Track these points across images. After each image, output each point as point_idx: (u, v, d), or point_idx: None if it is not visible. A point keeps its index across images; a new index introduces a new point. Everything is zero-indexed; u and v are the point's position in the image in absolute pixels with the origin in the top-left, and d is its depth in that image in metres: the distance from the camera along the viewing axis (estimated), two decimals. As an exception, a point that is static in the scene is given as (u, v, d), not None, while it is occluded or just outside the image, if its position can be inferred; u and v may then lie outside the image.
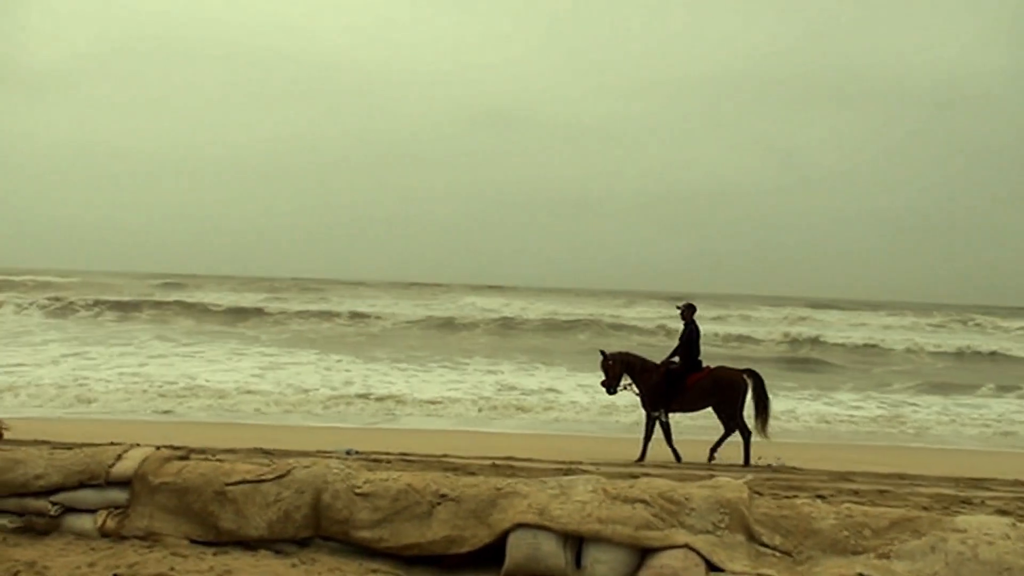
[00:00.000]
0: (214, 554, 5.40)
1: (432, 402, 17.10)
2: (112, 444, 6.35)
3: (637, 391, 12.23)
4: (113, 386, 17.59)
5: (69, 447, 6.84)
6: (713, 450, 11.80)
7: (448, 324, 38.11)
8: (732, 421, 11.88)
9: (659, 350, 14.52)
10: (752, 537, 5.09)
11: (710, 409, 12.25)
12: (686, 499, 5.20)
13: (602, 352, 12.67)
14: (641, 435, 12.10)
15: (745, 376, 12.12)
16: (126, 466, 5.88)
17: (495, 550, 5.28)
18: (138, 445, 6.25)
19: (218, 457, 7.55)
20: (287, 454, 9.31)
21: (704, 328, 13.10)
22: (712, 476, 6.10)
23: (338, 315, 40.59)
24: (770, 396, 12.17)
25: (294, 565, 5.24)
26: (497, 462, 10.15)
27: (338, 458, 7.47)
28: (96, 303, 40.89)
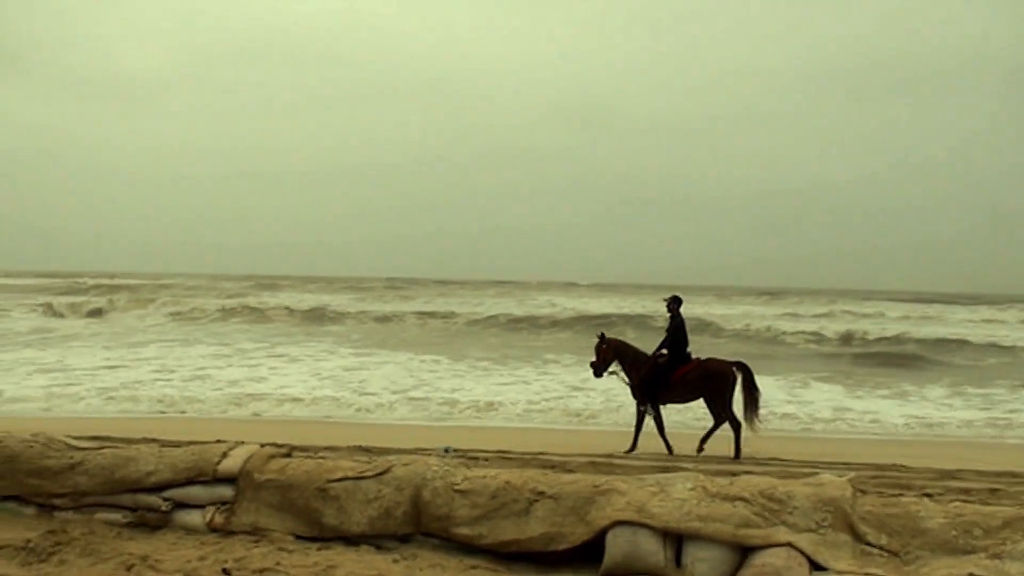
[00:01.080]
0: (318, 549, 5.52)
1: (529, 401, 17.12)
2: (218, 442, 6.51)
3: (626, 380, 12.25)
4: (217, 385, 18.10)
5: (177, 445, 7.04)
6: (703, 441, 11.65)
7: (539, 321, 38.12)
8: (722, 413, 11.76)
9: (724, 351, 14.27)
10: (857, 536, 4.99)
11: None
12: (788, 497, 5.13)
13: (600, 335, 12.78)
14: (633, 426, 12.08)
15: (734, 368, 11.96)
16: (232, 463, 6.04)
17: (594, 547, 5.28)
18: (243, 443, 6.41)
19: (320, 455, 7.68)
20: (386, 452, 9.42)
21: (812, 327, 12.92)
22: (814, 473, 5.99)
23: (432, 314, 41.03)
24: (759, 389, 12.01)
25: (395, 561, 5.31)
26: (595, 459, 10.13)
27: (437, 456, 7.54)
28: (193, 308, 42.12)
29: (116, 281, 63.54)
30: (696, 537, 5.06)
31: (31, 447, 6.31)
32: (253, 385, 18.22)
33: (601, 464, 9.77)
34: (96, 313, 41.20)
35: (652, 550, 5.07)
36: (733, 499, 5.16)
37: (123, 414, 15.12)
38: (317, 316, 40.50)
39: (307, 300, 47.54)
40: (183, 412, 15.45)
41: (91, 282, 61.89)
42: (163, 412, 15.38)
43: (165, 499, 6.03)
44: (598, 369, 12.34)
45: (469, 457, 9.42)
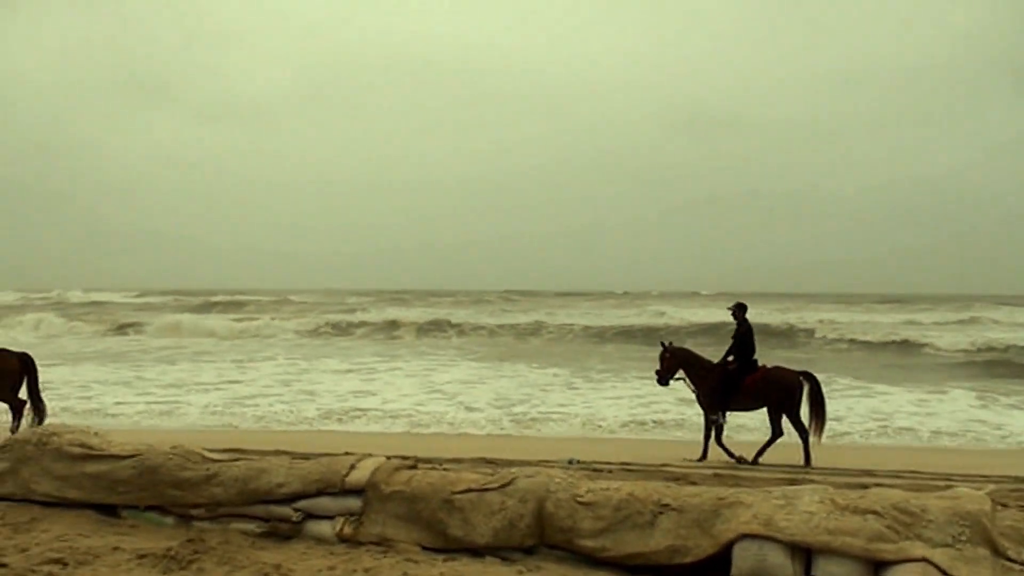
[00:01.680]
0: (444, 560, 5.59)
1: (646, 413, 16.99)
2: (346, 454, 6.66)
3: (692, 387, 12.30)
4: (331, 398, 18.56)
5: (307, 457, 7.24)
6: (759, 454, 11.69)
7: (658, 333, 37.72)
8: (792, 422, 11.80)
9: (850, 362, 13.86)
10: (997, 551, 4.81)
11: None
12: (922, 511, 4.97)
13: (663, 343, 12.82)
14: (701, 435, 12.23)
15: (801, 378, 11.95)
16: (359, 475, 6.17)
17: (719, 561, 5.22)
18: (370, 455, 6.55)
19: (444, 466, 7.79)
20: (510, 464, 9.50)
21: (942, 334, 12.57)
22: (949, 486, 5.80)
23: (545, 326, 41.08)
24: (826, 399, 11.99)
25: (520, 573, 5.35)
26: (720, 472, 10.01)
27: (560, 468, 7.57)
28: (324, 323, 43.13)
29: (247, 297, 65.54)
30: (825, 551, 4.94)
31: (171, 459, 6.57)
32: (364, 399, 18.57)
33: (726, 476, 9.66)
34: (230, 324, 42.66)
35: (780, 564, 4.98)
36: (864, 512, 5.03)
37: (254, 427, 15.60)
38: (438, 328, 41.05)
39: (429, 313, 48.23)
40: (307, 426, 15.85)
41: (224, 298, 64.07)
42: (291, 426, 15.81)
43: (296, 510, 6.19)
44: (663, 378, 12.42)
45: (593, 469, 9.43)
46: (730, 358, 12.17)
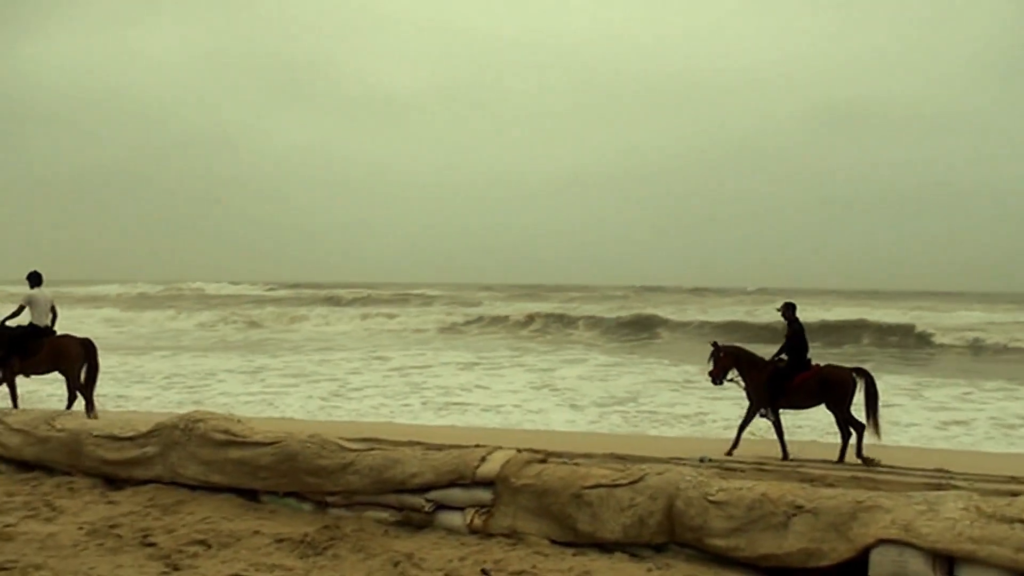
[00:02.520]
0: (573, 554, 5.60)
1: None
2: (477, 446, 6.74)
3: (743, 385, 12.37)
4: (448, 392, 18.78)
5: (439, 448, 7.35)
6: (858, 454, 11.56)
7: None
8: (841, 419, 11.79)
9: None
10: None
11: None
12: (1076, 521, 4.72)
13: (714, 343, 12.84)
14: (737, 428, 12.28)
15: (854, 375, 11.98)
16: (490, 468, 6.23)
17: (856, 566, 5.07)
18: (500, 448, 6.60)
19: (575, 461, 7.80)
20: (641, 460, 9.44)
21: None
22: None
23: (668, 322, 40.59)
24: (880, 396, 11.97)
25: (649, 570, 5.31)
26: (857, 475, 9.72)
27: (691, 466, 7.49)
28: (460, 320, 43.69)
29: (379, 292, 66.87)
30: (969, 560, 4.75)
31: (308, 447, 6.76)
32: (472, 394, 18.66)
33: (863, 479, 9.37)
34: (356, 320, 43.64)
35: (921, 571, 4.80)
36: (1011, 521, 4.80)
37: (376, 420, 15.91)
38: (565, 322, 41.08)
39: (558, 307, 48.29)
40: (408, 418, 16.05)
41: (360, 292, 65.57)
42: (440, 421, 16.06)
43: (428, 500, 6.30)
44: (717, 377, 12.47)
45: (725, 468, 9.29)
46: (782, 356, 12.29)
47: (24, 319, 13.96)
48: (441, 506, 6.31)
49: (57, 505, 6.89)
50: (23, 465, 8.07)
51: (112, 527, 6.23)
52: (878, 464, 10.98)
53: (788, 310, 12.42)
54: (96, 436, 7.70)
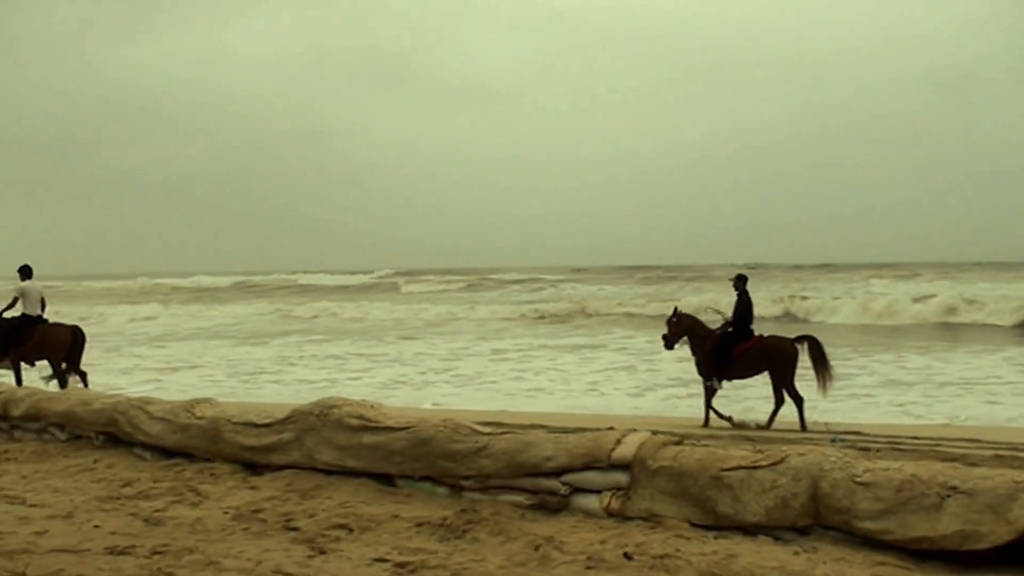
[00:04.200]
0: (715, 537, 5.50)
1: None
2: (610, 429, 6.68)
3: (693, 353, 12.99)
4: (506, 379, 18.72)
5: (566, 431, 7.31)
6: (769, 421, 12.11)
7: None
8: (786, 389, 12.18)
9: None
10: None
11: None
12: None
13: (673, 309, 13.68)
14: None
15: (795, 344, 12.36)
16: (625, 450, 6.16)
17: (1015, 548, 4.86)
18: (635, 430, 6.53)
19: (703, 443, 7.68)
20: (770, 441, 9.28)
21: None
22: None
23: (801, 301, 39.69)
24: (829, 359, 12.34)
25: (796, 553, 5.18)
26: (1000, 452, 9.34)
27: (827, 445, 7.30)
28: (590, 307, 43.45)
29: (499, 276, 67.13)
30: None
31: (441, 432, 6.80)
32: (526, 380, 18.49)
33: (1007, 458, 8.99)
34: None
35: (1088, 555, 4.57)
36: None
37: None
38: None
39: (662, 291, 47.72)
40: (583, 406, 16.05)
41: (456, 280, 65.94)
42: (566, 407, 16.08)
43: (564, 483, 6.27)
44: (668, 341, 13.26)
45: (858, 448, 9.03)
46: (729, 327, 12.82)
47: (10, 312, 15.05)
48: (576, 489, 6.28)
49: (201, 490, 7.09)
50: (165, 452, 8.34)
51: (255, 512, 6.38)
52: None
53: (739, 281, 12.88)
54: (234, 423, 7.90)
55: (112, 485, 7.39)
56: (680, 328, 13.10)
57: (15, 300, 14.98)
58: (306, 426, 7.47)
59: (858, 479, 5.38)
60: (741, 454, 5.92)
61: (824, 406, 13.75)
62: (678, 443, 6.29)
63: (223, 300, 53.26)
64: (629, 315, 35.91)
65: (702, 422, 12.45)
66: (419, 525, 5.94)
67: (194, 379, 19.86)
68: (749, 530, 5.59)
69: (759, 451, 6.07)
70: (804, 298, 38.68)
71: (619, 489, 6.12)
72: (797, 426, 11.93)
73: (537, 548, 5.42)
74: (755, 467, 5.70)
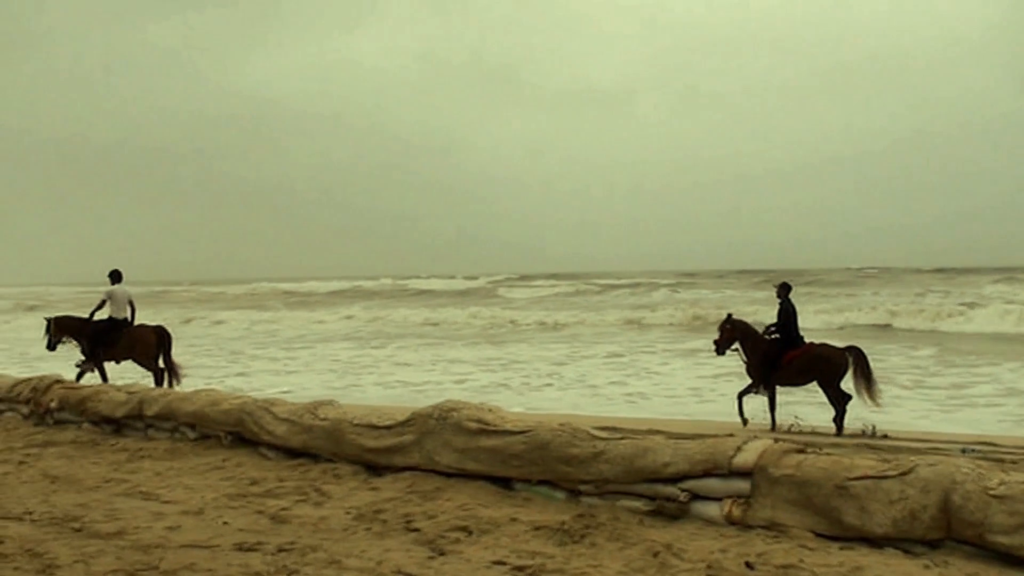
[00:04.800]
0: (840, 548, 5.37)
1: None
2: (730, 436, 6.59)
3: (744, 359, 13.09)
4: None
5: (683, 437, 7.24)
6: (838, 428, 12.17)
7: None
8: (832, 395, 12.35)
9: None
10: None
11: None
12: None
13: (727, 316, 13.81)
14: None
15: (845, 353, 12.50)
16: (746, 457, 6.07)
17: None
18: (755, 437, 6.43)
19: (826, 451, 7.51)
20: (897, 450, 9.01)
21: None
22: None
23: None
24: (873, 371, 12.46)
25: (927, 567, 5.01)
26: None
27: (957, 456, 7.04)
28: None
29: (632, 280, 66.80)
30: None
31: (559, 436, 6.82)
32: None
33: None
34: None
35: None
36: None
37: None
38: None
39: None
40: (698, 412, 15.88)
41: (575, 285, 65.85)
42: (679, 412, 15.93)
43: (683, 490, 6.21)
44: (720, 347, 13.32)
45: (992, 459, 8.70)
46: (774, 334, 12.96)
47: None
48: (696, 496, 6.21)
49: (325, 490, 7.26)
50: (290, 452, 8.56)
51: (377, 512, 6.50)
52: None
53: (782, 290, 13.05)
54: (356, 425, 8.06)
55: (240, 483, 7.63)
56: (733, 335, 13.24)
57: (103, 303, 15.66)
58: (426, 429, 7.57)
59: (992, 492, 5.18)
60: (867, 463, 5.77)
61: (938, 414, 13.46)
62: (801, 451, 6.17)
63: (334, 304, 54.30)
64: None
65: (770, 427, 12.54)
66: (537, 529, 5.96)
67: (306, 380, 20.32)
68: (876, 542, 5.44)
69: (886, 460, 5.91)
70: (922, 307, 37.33)
71: (740, 497, 6.03)
72: (912, 434, 11.69)
73: (656, 555, 5.37)
74: (882, 477, 5.54)
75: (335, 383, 19.75)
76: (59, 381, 11.72)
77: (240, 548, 5.63)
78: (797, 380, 12.77)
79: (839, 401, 12.30)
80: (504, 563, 5.31)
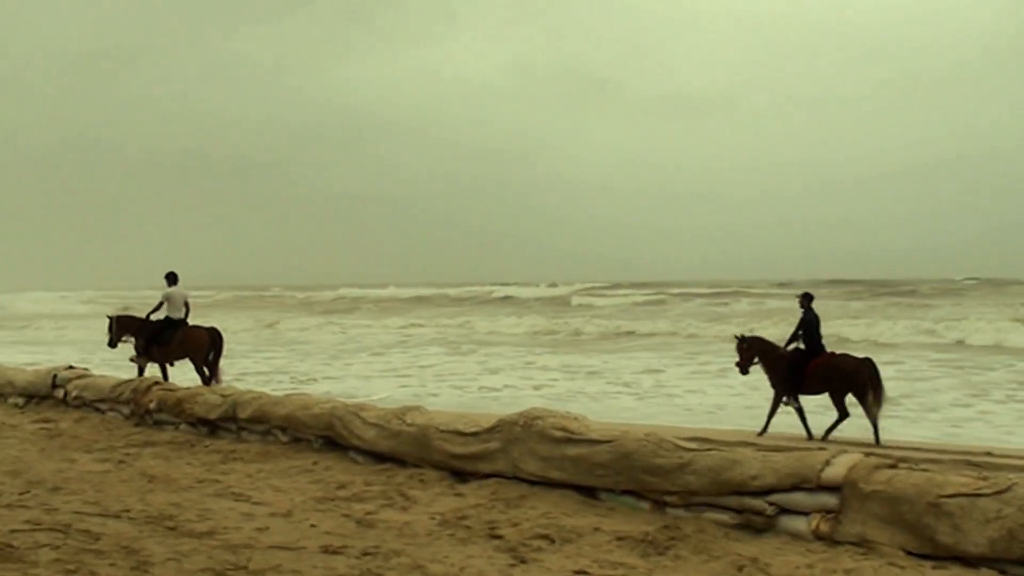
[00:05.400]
0: (932, 568, 5.23)
1: None
2: (820, 449, 6.46)
3: (767, 373, 13.18)
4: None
5: (772, 450, 7.12)
6: (828, 432, 12.42)
7: None
8: (861, 404, 12.35)
9: None
10: None
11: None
12: None
13: (739, 336, 13.79)
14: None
15: (862, 364, 12.55)
16: (835, 471, 5.95)
17: None
18: (844, 451, 6.30)
19: (922, 467, 7.31)
20: (997, 468, 8.72)
21: None
22: None
23: None
24: (883, 384, 12.46)
25: (1024, 589, 4.85)
26: None
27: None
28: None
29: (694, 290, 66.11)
30: None
31: (645, 446, 6.77)
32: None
33: None
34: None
35: None
36: None
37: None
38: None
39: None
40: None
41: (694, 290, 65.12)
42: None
43: (770, 503, 6.11)
44: (743, 366, 13.47)
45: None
46: (792, 345, 13.06)
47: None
48: (783, 510, 6.11)
49: (410, 495, 7.33)
50: (378, 456, 8.67)
51: (461, 518, 6.54)
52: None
53: (805, 299, 13.16)
54: (442, 431, 8.12)
55: (328, 487, 7.75)
56: (752, 352, 13.38)
57: (161, 304, 16.35)
58: (511, 436, 7.59)
59: (1095, 513, 4.99)
60: (961, 480, 5.60)
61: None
62: (892, 466, 6.01)
63: (420, 310, 54.80)
64: (841, 339, 34.23)
65: (806, 435, 12.61)
66: (620, 539, 5.93)
67: (393, 385, 20.55)
68: (970, 561, 5.27)
69: (983, 478, 5.73)
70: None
71: (828, 512, 5.91)
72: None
73: (741, 569, 5.31)
74: (977, 495, 5.37)
75: (420, 388, 19.92)
76: (158, 383, 12.09)
77: (326, 551, 5.72)
78: (821, 389, 12.83)
79: (839, 409, 12.54)
80: (586, 573, 5.30)
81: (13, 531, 6.00)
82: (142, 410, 11.52)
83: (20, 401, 13.63)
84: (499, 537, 6.10)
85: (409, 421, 8.52)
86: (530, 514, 6.62)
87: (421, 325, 43.84)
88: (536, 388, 19.76)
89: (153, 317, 16.32)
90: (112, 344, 16.57)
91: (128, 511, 6.78)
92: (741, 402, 17.25)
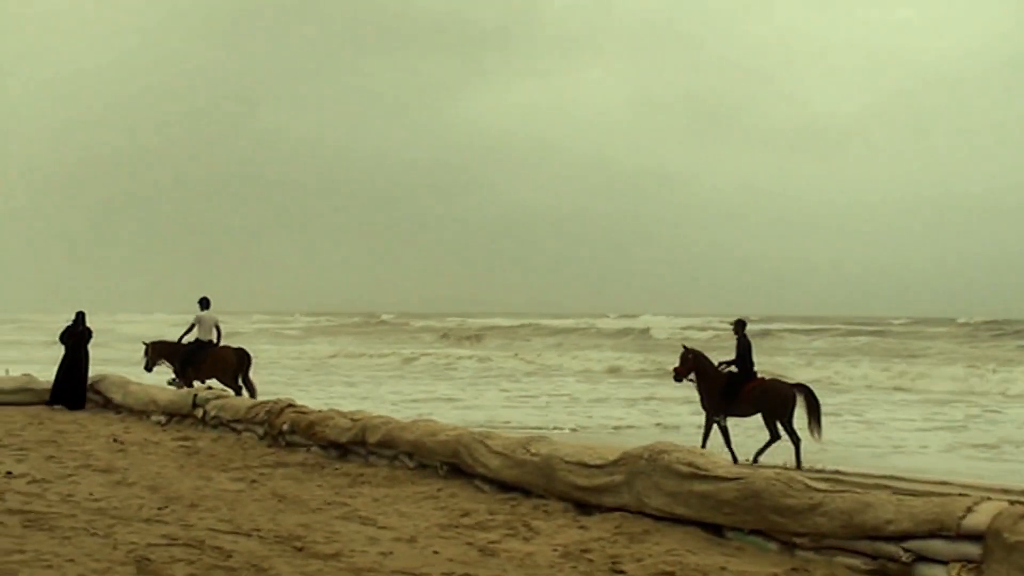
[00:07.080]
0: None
1: None
2: (962, 495, 6.17)
3: (699, 391, 13.55)
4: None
5: (910, 494, 6.83)
6: (758, 454, 12.78)
7: None
8: (786, 430, 12.87)
9: None
10: None
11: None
12: None
13: (684, 347, 14.12)
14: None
15: (794, 390, 13.20)
16: (977, 519, 5.66)
17: None
18: (988, 498, 6.00)
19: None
20: None
21: None
22: None
23: None
24: (820, 407, 13.09)
25: None
26: None
27: None
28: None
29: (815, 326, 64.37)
30: None
31: (773, 485, 6.59)
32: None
33: None
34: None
35: None
36: None
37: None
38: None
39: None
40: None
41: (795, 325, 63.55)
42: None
43: (906, 550, 5.86)
44: (678, 375, 13.76)
45: None
46: (730, 368, 13.44)
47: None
48: (920, 557, 5.84)
49: (533, 526, 7.31)
50: (502, 485, 8.68)
51: (584, 551, 6.48)
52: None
53: (738, 326, 13.57)
54: (567, 462, 8.08)
55: (452, 514, 7.80)
56: (692, 365, 13.64)
57: (192, 327, 17.31)
58: (636, 469, 7.50)
59: None
60: (1118, 535, 5.26)
61: None
62: (1044, 516, 5.69)
63: (556, 339, 54.87)
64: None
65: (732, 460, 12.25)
66: (747, 580, 5.78)
67: (522, 414, 20.58)
68: None
69: None
70: None
71: (969, 562, 5.62)
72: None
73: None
74: None
75: (545, 417, 19.90)
76: (291, 405, 12.39)
77: (448, 578, 5.75)
78: (749, 411, 13.31)
79: (791, 437, 12.86)
80: (711, 613, 5.18)
81: (150, 544, 6.23)
82: (275, 431, 11.84)
83: (162, 419, 14.23)
84: (622, 572, 6.02)
85: (534, 451, 8.50)
86: (654, 550, 6.51)
87: (558, 354, 43.85)
88: (657, 424, 19.48)
89: (185, 339, 17.30)
90: (148, 368, 17.55)
91: (259, 530, 6.96)
92: (861, 440, 16.68)
